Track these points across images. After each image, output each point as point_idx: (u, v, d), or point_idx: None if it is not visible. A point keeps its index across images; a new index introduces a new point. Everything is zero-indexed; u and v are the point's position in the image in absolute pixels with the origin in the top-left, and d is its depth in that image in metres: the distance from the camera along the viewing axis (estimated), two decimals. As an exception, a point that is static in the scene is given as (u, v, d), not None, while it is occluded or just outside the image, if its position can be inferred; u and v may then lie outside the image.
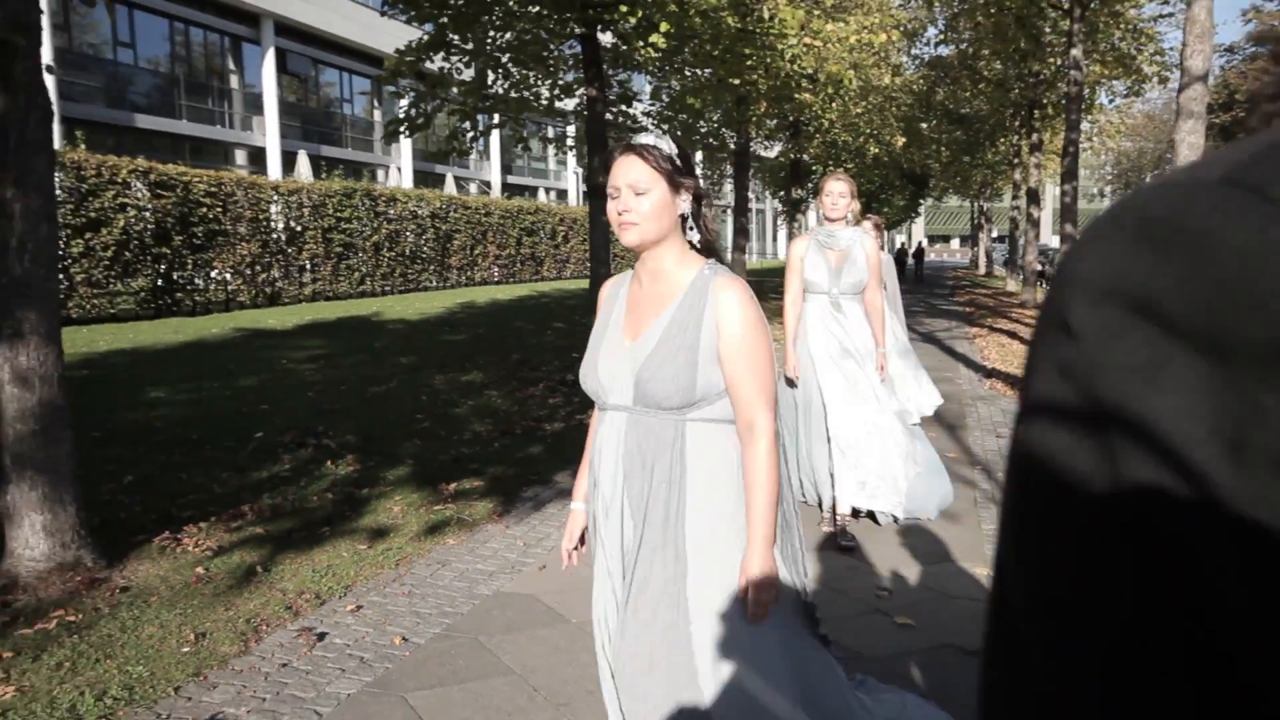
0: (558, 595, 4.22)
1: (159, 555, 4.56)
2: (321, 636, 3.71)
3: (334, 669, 3.46)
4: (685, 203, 2.12)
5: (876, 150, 23.18)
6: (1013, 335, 16.28)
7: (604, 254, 10.99)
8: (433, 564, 4.63)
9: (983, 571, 4.62)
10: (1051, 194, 58.63)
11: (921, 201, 49.40)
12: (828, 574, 4.58)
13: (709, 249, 2.21)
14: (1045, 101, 24.66)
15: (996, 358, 13.26)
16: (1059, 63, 22.68)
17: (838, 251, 5.15)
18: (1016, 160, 31.18)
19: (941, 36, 24.28)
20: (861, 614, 4.10)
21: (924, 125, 28.72)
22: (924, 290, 30.58)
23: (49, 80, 3.90)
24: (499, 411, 8.69)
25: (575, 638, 3.77)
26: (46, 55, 16.74)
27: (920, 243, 43.34)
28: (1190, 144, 9.00)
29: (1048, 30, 21.56)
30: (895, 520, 5.36)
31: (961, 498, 6.03)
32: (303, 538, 4.92)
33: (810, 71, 12.44)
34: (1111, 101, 25.61)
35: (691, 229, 2.17)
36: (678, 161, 2.12)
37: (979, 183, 43.01)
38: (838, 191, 5.09)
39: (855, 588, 4.43)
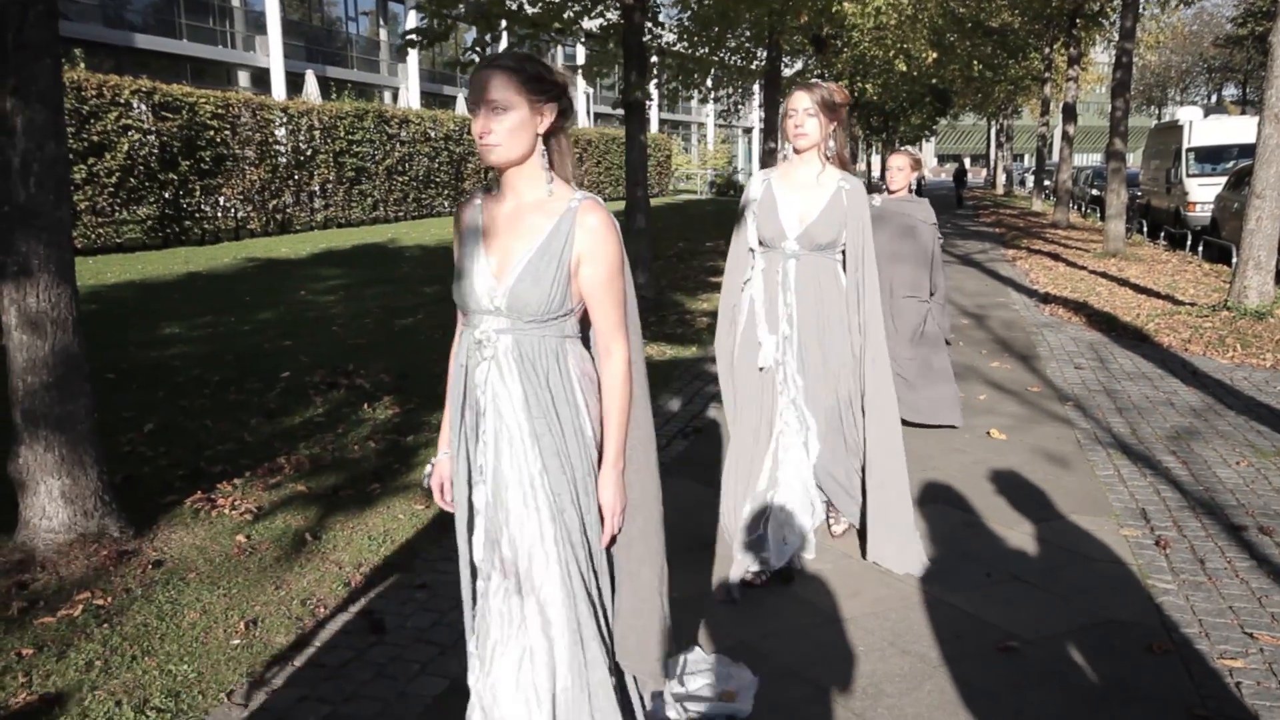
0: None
1: (193, 520, 4.05)
2: (381, 624, 3.20)
3: (410, 662, 2.96)
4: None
5: (906, 66, 22.15)
6: (1055, 258, 15.60)
7: (641, 174, 10.30)
8: (499, 526, 4.11)
9: (1114, 527, 4.10)
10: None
11: (938, 120, 47.99)
12: (943, 531, 4.06)
13: None
14: (1090, 10, 23.48)
15: (1047, 281, 12.65)
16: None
17: None
18: (1047, 75, 29.98)
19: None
20: (1000, 582, 3.59)
21: (950, 37, 27.50)
22: (949, 211, 29.70)
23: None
24: (538, 346, 8.13)
25: (680, 614, 3.26)
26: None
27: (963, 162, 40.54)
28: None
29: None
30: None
31: (1063, 439, 5.51)
32: (351, 496, 4.40)
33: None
34: (1151, 13, 24.38)
35: None
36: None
37: (1000, 99, 41.61)
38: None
39: (980, 548, 3.91)
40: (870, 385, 3.58)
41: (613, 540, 2.13)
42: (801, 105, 3.38)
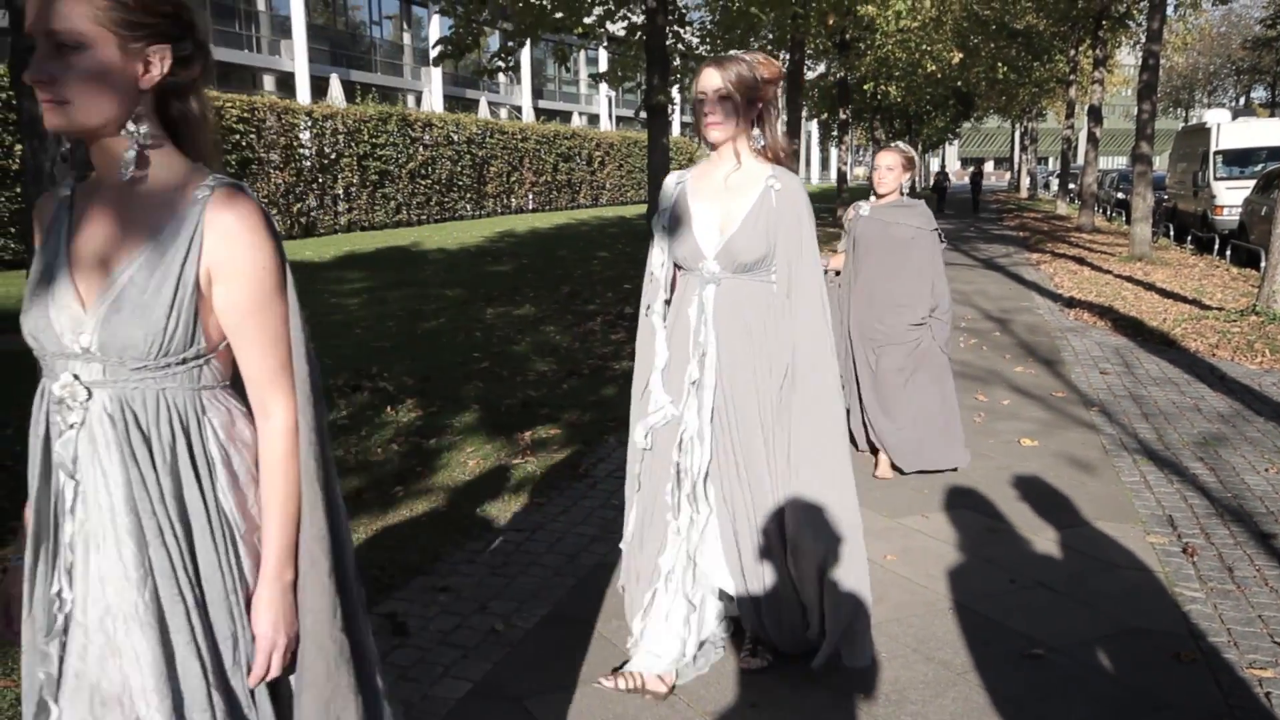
0: (671, 569, 3.70)
1: (219, 521, 4.08)
2: (404, 627, 3.22)
3: (434, 664, 2.97)
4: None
5: (932, 67, 22.10)
6: (1080, 262, 15.49)
7: (663, 178, 10.31)
8: (521, 529, 4.13)
9: (1140, 533, 4.06)
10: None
11: (962, 122, 47.81)
12: (966, 537, 4.04)
13: None
14: (1116, 11, 23.32)
15: (1072, 286, 12.55)
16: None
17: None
18: (1072, 77, 29.78)
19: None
20: (1025, 588, 3.57)
21: (974, 39, 27.41)
22: (971, 215, 29.58)
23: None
24: (560, 349, 8.16)
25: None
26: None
27: (976, 166, 40.32)
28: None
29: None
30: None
31: (1088, 444, 5.46)
32: (374, 499, 4.43)
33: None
34: (1179, 13, 24.22)
35: None
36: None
37: (1024, 102, 41.41)
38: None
39: (1004, 554, 3.89)
40: (799, 449, 2.68)
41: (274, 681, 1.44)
42: (711, 86, 2.56)
